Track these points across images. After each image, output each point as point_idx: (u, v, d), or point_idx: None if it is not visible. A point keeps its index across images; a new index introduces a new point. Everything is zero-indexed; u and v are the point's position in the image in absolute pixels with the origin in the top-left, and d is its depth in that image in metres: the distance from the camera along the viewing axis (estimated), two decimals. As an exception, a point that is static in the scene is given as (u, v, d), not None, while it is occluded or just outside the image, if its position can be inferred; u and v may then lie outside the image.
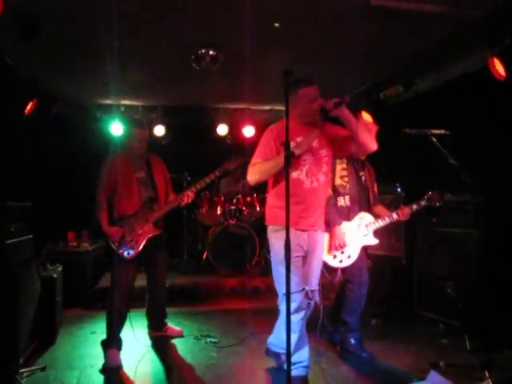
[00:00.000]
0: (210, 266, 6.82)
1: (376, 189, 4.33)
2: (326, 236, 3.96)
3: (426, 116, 5.24)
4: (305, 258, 3.50)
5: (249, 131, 7.90)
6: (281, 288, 3.48)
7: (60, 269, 4.85)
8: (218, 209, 7.08)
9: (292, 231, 3.05)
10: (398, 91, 5.60)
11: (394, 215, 4.03)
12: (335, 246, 3.93)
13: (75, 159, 7.10)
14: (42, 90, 6.05)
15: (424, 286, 4.97)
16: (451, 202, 4.70)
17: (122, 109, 7.50)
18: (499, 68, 4.07)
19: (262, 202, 7.29)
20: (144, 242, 4.13)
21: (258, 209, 7.16)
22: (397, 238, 5.35)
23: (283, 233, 2.82)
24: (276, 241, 3.45)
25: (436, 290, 4.71)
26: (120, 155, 4.33)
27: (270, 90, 5.80)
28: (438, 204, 3.95)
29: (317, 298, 3.51)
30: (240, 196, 7.22)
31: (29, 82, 5.74)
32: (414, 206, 4.01)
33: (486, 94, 4.59)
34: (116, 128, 7.22)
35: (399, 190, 5.11)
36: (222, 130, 7.90)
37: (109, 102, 7.36)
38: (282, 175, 3.18)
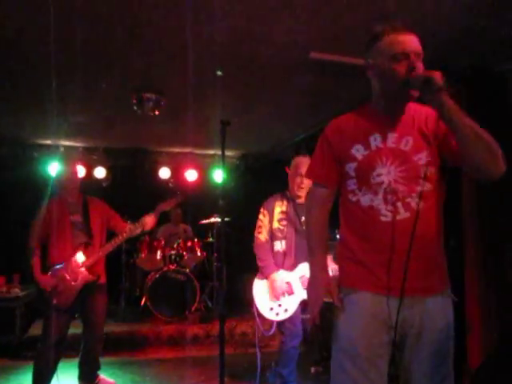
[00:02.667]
0: (149, 312, 6.61)
1: None
2: (265, 283, 3.90)
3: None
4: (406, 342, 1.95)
5: (191, 175, 7.90)
6: None
7: (-14, 317, 4.59)
8: (158, 253, 6.91)
9: (369, 297, 1.95)
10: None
11: (330, 272, 3.95)
12: (274, 295, 3.80)
13: (7, 200, 6.85)
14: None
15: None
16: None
17: (62, 149, 7.32)
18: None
19: (204, 247, 7.23)
20: (78, 291, 3.95)
21: (198, 253, 7.06)
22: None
23: (357, 298, 1.95)
24: (342, 315, 2.00)
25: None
26: (56, 199, 4.19)
27: (213, 134, 5.82)
28: None
29: None
30: (180, 241, 7.12)
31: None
32: None
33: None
34: (54, 169, 7.02)
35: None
36: (165, 173, 7.86)
37: (48, 142, 7.19)
38: (350, 202, 2.06)
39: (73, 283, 3.93)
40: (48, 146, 7.25)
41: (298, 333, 3.90)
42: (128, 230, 4.19)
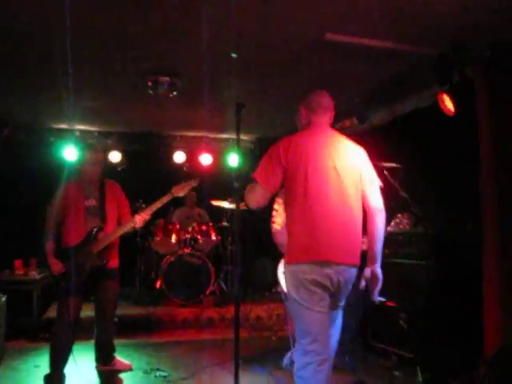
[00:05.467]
0: (164, 295, 6.67)
1: None
2: None
3: (380, 148, 5.33)
4: None
5: (206, 159, 7.89)
6: None
7: (4, 299, 4.65)
8: (173, 237, 6.95)
9: None
10: (353, 123, 5.71)
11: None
12: None
13: (25, 184, 6.90)
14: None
15: (377, 317, 4.98)
16: (402, 233, 4.76)
17: (77, 134, 7.35)
18: (448, 104, 4.20)
19: (218, 231, 7.24)
20: (87, 274, 3.98)
21: (213, 237, 7.09)
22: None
23: None
24: None
25: (389, 321, 4.73)
26: (73, 182, 4.20)
27: (227, 118, 5.79)
28: (404, 226, 3.94)
29: None
30: (195, 224, 7.14)
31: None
32: None
33: (436, 129, 4.72)
34: (70, 153, 7.06)
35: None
36: (179, 157, 7.86)
37: (63, 126, 7.22)
38: None
39: (82, 268, 3.95)
40: (63, 131, 7.29)
41: None
42: (117, 228, 4.13)
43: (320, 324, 2.68)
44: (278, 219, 4.11)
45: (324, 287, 2.67)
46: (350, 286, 2.83)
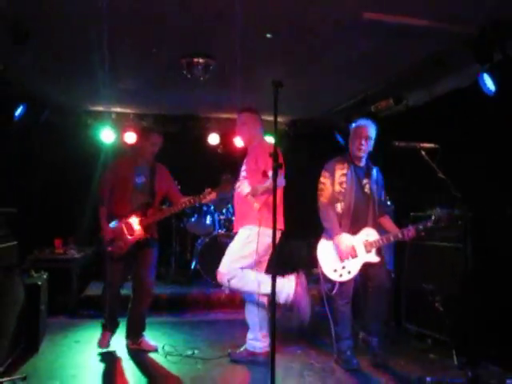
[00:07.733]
0: (199, 275, 6.77)
1: (383, 198, 4.33)
2: (331, 244, 4.05)
3: (417, 130, 5.24)
4: None
5: (240, 141, 7.89)
6: None
7: (45, 276, 4.79)
8: (208, 218, 7.03)
9: None
10: (389, 104, 5.62)
11: (399, 235, 4.01)
12: (340, 257, 3.99)
13: (63, 165, 7.05)
14: (31, 95, 6.00)
15: (412, 299, 4.95)
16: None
17: (113, 116, 7.46)
18: (489, 84, 4.08)
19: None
20: (131, 244, 4.30)
21: (247, 219, 7.11)
22: (387, 251, 5.35)
23: None
24: None
25: (424, 304, 4.69)
26: (126, 158, 4.68)
27: (261, 100, 5.78)
28: (444, 224, 3.89)
29: None
30: (230, 205, 7.18)
31: (18, 87, 5.68)
32: (420, 227, 3.98)
33: (475, 110, 4.60)
34: (106, 135, 7.18)
35: (389, 203, 5.10)
36: (214, 139, 7.88)
37: (100, 108, 7.32)
38: None
39: (128, 237, 4.30)
40: (100, 113, 7.39)
41: (347, 293, 4.07)
42: (187, 201, 4.39)
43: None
44: (326, 192, 4.09)
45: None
46: None
